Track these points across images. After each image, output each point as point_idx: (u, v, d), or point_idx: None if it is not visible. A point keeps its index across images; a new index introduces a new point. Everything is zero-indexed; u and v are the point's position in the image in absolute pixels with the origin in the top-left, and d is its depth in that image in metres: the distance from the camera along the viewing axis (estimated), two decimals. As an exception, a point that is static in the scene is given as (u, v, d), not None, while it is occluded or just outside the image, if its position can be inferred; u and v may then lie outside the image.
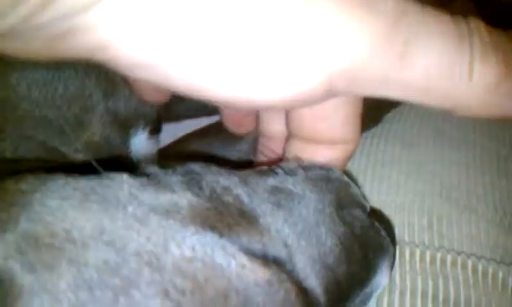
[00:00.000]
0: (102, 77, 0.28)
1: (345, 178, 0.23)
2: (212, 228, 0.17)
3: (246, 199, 0.19)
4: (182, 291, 0.15)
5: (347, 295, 0.20)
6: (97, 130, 0.28)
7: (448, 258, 0.28)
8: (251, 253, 0.17)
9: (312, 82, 0.17)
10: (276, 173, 0.22)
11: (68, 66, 0.27)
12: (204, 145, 0.33)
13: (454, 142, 0.35)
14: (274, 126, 0.27)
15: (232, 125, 0.30)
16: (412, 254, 0.28)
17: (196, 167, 0.20)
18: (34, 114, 0.26)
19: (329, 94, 0.18)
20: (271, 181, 0.21)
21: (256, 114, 0.30)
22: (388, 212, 0.30)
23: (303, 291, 0.18)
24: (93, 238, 0.16)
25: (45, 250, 0.15)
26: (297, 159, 0.23)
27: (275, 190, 0.20)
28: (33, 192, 0.17)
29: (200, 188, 0.19)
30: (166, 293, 0.15)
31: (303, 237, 0.19)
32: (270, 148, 0.27)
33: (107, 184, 0.18)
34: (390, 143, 0.34)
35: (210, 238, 0.17)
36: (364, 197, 0.23)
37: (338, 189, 0.22)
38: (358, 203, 0.22)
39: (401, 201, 0.31)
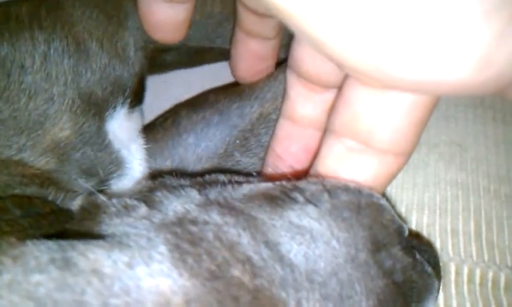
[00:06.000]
0: (69, 40, 0.21)
1: (378, 199, 0.18)
2: None
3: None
4: None
5: None
6: (67, 123, 0.21)
7: (502, 278, 0.22)
8: None
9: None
10: (296, 201, 0.17)
11: (24, 38, 0.20)
12: (197, 121, 0.25)
13: (498, 116, 0.28)
14: (307, 110, 0.22)
15: (242, 73, 0.26)
16: (458, 273, 0.23)
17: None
18: None
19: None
20: (290, 215, 0.17)
21: (272, 60, 0.26)
22: (427, 214, 0.24)
23: None
24: None
25: None
26: (319, 177, 0.19)
27: (294, 230, 0.16)
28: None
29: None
30: None
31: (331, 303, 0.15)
32: (283, 157, 0.22)
33: None
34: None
35: None
36: (400, 217, 0.19)
37: (372, 221, 0.17)
38: (395, 232, 0.18)
39: (442, 197, 0.24)
